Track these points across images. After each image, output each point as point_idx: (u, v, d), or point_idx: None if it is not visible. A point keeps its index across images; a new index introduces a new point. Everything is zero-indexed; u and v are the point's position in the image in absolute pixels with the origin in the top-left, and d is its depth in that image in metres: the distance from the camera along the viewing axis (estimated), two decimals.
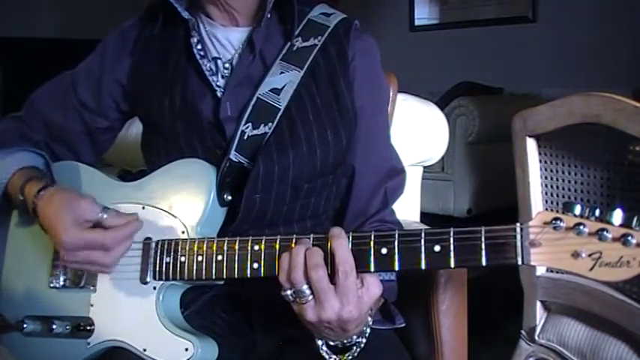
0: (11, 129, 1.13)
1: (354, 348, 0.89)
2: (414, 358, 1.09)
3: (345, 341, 0.88)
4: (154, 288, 0.95)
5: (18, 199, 1.00)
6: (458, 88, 4.28)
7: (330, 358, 0.89)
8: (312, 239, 0.85)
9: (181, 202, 0.97)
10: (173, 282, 0.95)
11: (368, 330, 0.89)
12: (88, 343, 0.97)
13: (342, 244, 0.81)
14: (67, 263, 0.95)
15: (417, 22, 5.36)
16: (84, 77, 1.13)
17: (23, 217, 1.07)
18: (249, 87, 1.03)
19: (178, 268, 0.93)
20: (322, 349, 0.89)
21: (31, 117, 1.15)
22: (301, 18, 1.07)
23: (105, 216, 0.93)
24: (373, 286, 0.83)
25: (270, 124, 1.00)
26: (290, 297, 0.83)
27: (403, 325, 1.01)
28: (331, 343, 0.89)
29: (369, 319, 0.89)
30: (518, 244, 0.75)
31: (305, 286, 0.81)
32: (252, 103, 1.01)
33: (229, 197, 0.99)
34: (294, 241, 0.86)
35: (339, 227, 0.84)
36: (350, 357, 0.89)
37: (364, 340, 0.89)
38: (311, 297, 0.82)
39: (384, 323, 0.99)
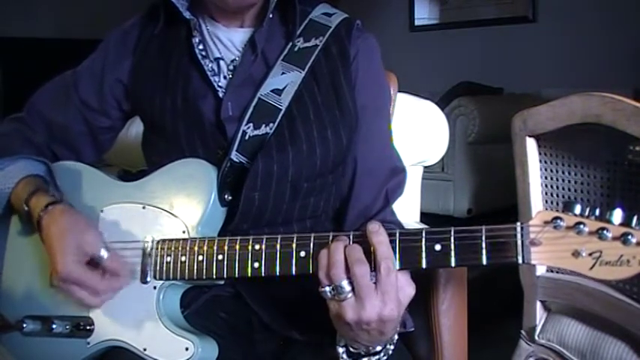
0: (12, 132, 1.13)
1: (382, 354, 0.87)
2: (414, 358, 1.09)
3: (370, 348, 0.86)
4: (155, 287, 0.95)
5: (22, 209, 0.99)
6: (458, 88, 4.28)
7: None
8: (352, 237, 0.83)
9: (182, 202, 0.97)
10: (173, 282, 0.95)
11: (396, 336, 0.88)
12: (88, 343, 0.97)
13: (382, 240, 0.80)
14: (56, 287, 0.96)
15: (417, 22, 5.36)
16: (86, 76, 1.13)
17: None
18: (250, 87, 1.03)
19: (179, 268, 0.93)
20: (342, 357, 0.88)
21: (32, 118, 1.15)
22: (303, 18, 1.07)
23: (105, 256, 0.93)
24: (407, 286, 0.82)
25: (271, 124, 1.00)
26: (328, 294, 0.81)
27: (413, 329, 1.00)
28: (352, 350, 0.87)
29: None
30: (519, 243, 0.75)
31: (345, 282, 0.80)
32: (254, 103, 1.01)
33: (230, 197, 0.99)
34: (295, 240, 0.86)
35: (377, 222, 0.82)
36: None
37: (392, 347, 0.88)
38: (350, 294, 0.80)
39: None
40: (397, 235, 0.81)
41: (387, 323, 0.81)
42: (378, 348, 0.87)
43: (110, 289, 0.94)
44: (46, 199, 0.97)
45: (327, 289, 0.81)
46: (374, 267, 0.80)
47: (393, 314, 0.80)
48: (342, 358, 0.88)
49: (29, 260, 1.04)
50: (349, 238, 0.83)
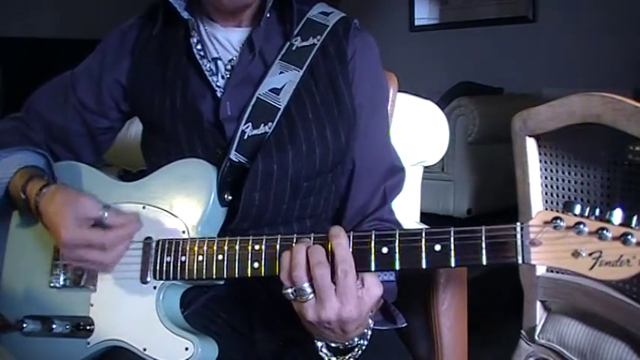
0: (12, 129, 1.13)
1: (356, 350, 0.88)
2: (414, 358, 1.09)
3: (347, 343, 0.87)
4: (155, 287, 0.95)
5: (20, 198, 0.99)
6: (458, 88, 4.28)
7: (331, 359, 0.89)
8: (312, 238, 0.85)
9: (182, 202, 0.97)
10: (173, 282, 0.95)
11: (369, 332, 0.89)
12: (88, 343, 0.97)
13: (340, 243, 0.81)
14: (67, 260, 0.95)
15: (417, 22, 5.36)
16: (84, 77, 1.13)
17: (24, 216, 1.07)
18: (249, 87, 1.03)
19: (179, 268, 0.93)
20: (322, 351, 0.89)
21: (31, 118, 1.15)
22: (300, 17, 1.07)
23: (106, 214, 0.93)
24: (374, 287, 0.82)
25: (270, 123, 1.00)
26: (291, 295, 0.83)
27: (405, 325, 1.01)
28: (332, 345, 0.88)
29: (370, 321, 0.88)
30: (519, 243, 0.75)
31: (306, 284, 0.81)
32: (252, 103, 1.01)
33: (230, 197, 0.99)
34: (294, 240, 0.86)
35: (339, 226, 0.84)
36: (351, 359, 0.88)
37: (366, 342, 0.88)
38: (312, 295, 0.81)
39: (386, 324, 0.99)
40: (397, 235, 0.81)
41: (347, 323, 0.82)
42: (350, 344, 0.87)
43: (117, 241, 0.94)
44: (40, 184, 0.98)
45: (290, 290, 0.82)
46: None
47: (351, 315, 0.81)
48: (322, 351, 0.89)
49: (30, 260, 1.05)
50: (311, 239, 0.84)
